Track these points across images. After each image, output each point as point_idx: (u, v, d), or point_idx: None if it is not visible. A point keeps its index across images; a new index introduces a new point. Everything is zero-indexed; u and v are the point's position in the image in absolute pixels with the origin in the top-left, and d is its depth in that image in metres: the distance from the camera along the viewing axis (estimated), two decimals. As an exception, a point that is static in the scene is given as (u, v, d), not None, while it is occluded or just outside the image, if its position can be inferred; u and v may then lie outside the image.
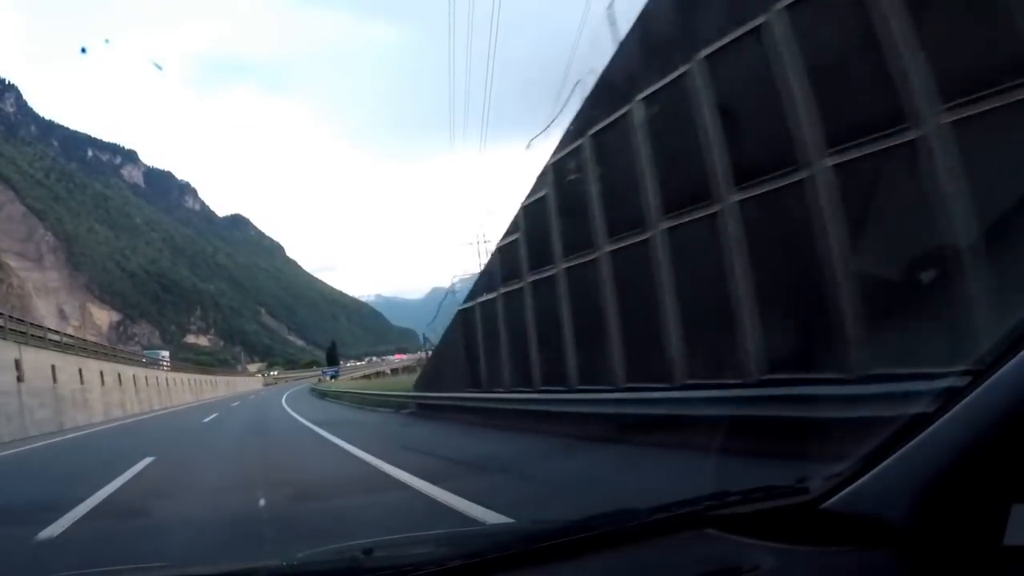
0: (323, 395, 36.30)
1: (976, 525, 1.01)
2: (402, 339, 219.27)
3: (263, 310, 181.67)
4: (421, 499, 4.72)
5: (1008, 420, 0.98)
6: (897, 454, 1.13)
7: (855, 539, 1.16)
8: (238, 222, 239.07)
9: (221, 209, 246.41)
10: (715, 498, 1.50)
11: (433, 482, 5.02)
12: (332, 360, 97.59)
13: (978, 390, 1.03)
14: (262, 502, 4.95)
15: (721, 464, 4.28)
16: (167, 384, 41.50)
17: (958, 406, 1.05)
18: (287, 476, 6.86)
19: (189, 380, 50.10)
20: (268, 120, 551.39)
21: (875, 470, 1.17)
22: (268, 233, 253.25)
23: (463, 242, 72.93)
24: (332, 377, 76.89)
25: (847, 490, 1.22)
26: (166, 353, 75.49)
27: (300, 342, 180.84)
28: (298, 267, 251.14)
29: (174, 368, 51.42)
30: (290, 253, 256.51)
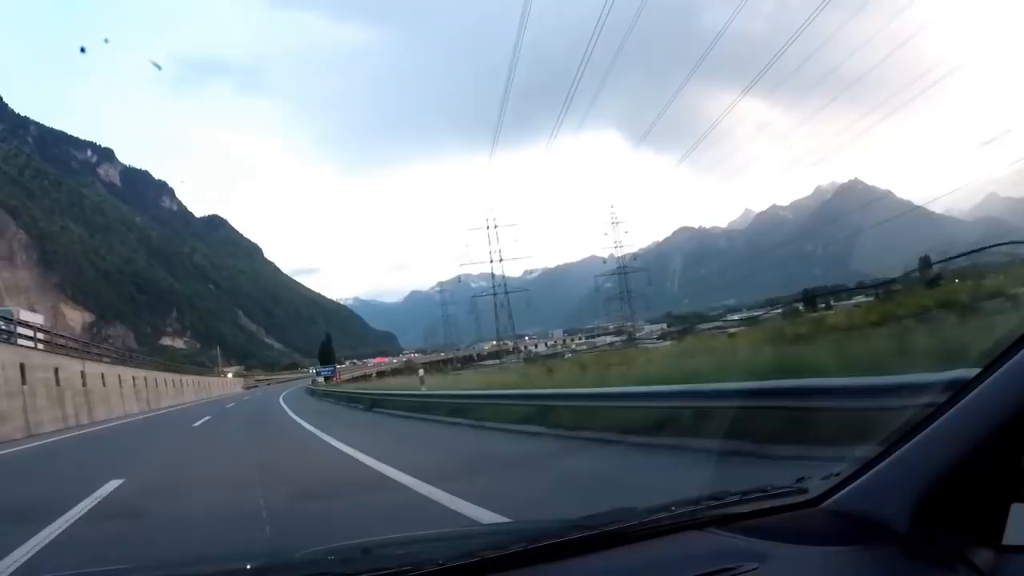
0: (350, 401, 22.91)
1: (975, 524, 1.01)
2: (381, 342, 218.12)
3: (241, 312, 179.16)
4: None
5: (1007, 420, 0.98)
6: (896, 454, 1.14)
7: (854, 538, 1.16)
8: (215, 223, 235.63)
9: (199, 209, 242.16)
10: (714, 498, 1.51)
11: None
12: (326, 358, 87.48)
13: (977, 390, 1.03)
14: None
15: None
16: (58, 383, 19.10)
17: (957, 406, 1.06)
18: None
19: (133, 380, 28.63)
20: (246, 121, 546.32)
21: (874, 470, 1.18)
22: (246, 234, 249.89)
23: (471, 227, 70.55)
24: (327, 377, 65.59)
25: (846, 490, 1.24)
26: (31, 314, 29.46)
27: (278, 345, 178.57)
28: (276, 269, 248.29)
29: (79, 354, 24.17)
30: (268, 255, 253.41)
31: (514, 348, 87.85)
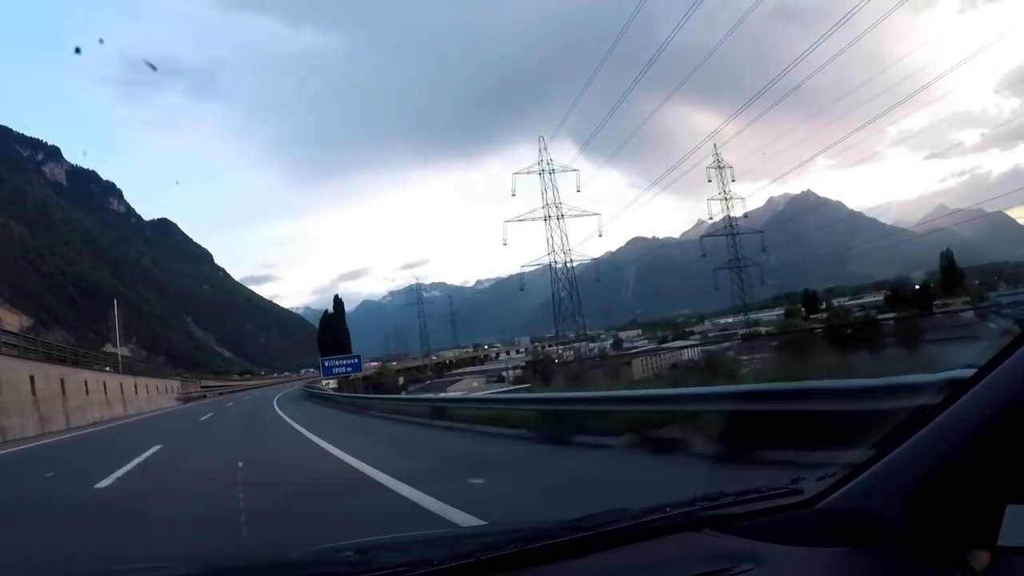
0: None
1: (970, 526, 1.01)
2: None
3: (189, 319, 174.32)
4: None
5: (1002, 421, 0.98)
6: (891, 455, 1.14)
7: (850, 539, 1.16)
8: (165, 227, 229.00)
9: (148, 212, 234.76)
10: (709, 499, 1.52)
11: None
12: (339, 342, 52.39)
13: (972, 391, 1.03)
14: None
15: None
16: None
17: (952, 407, 1.06)
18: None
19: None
20: (198, 124, 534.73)
21: (869, 471, 1.18)
22: (196, 239, 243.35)
23: (521, 170, 70.06)
24: (347, 374, 45.14)
25: (841, 491, 1.24)
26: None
27: (228, 353, 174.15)
28: (227, 275, 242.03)
29: None
30: (219, 261, 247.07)
31: (485, 356, 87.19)
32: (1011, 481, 0.98)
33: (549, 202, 69.03)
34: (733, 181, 69.91)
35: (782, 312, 75.97)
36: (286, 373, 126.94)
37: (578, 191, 74.73)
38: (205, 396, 59.86)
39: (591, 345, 76.75)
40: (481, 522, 3.85)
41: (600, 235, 62.27)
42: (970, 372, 1.06)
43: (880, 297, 76.43)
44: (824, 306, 76.68)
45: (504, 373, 62.39)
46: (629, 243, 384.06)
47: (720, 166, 68.61)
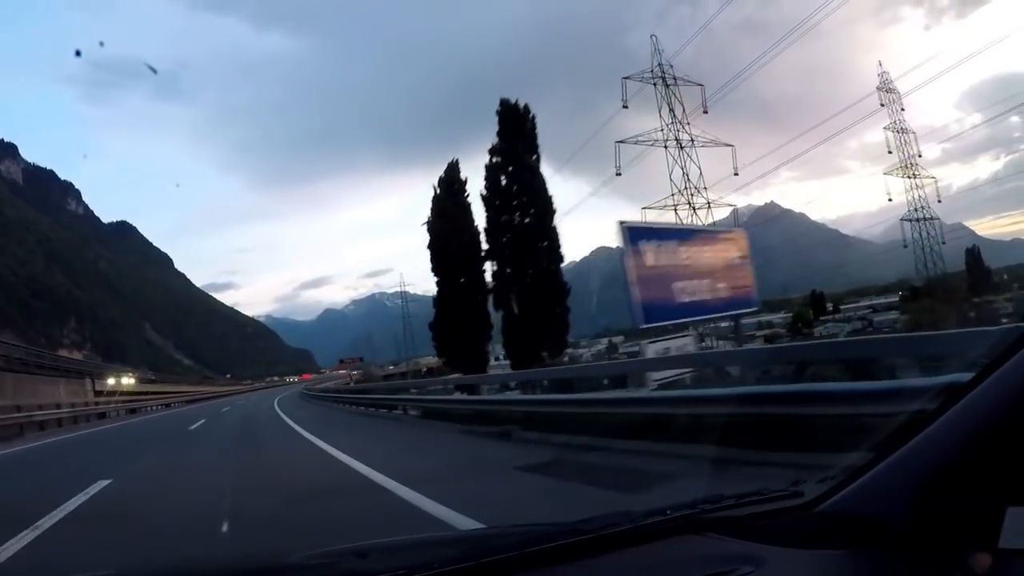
0: None
1: (971, 528, 1.01)
2: (297, 359, 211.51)
3: (148, 325, 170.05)
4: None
5: (1002, 424, 0.99)
6: (892, 457, 1.14)
7: (850, 542, 1.16)
8: (124, 229, 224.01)
9: (107, 215, 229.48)
10: (710, 501, 1.52)
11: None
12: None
13: (973, 393, 1.03)
14: None
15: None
16: None
17: (953, 409, 1.06)
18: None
19: None
20: (162, 127, 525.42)
21: (870, 473, 1.18)
22: (157, 244, 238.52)
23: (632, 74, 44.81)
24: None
25: (842, 493, 1.23)
26: None
27: (188, 361, 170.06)
28: (188, 281, 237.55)
29: None
30: (179, 266, 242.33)
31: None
32: (1011, 483, 0.98)
33: (667, 123, 46.48)
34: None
35: (776, 315, 75.98)
36: (247, 381, 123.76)
37: (705, 112, 48.03)
38: (118, 411, 30.26)
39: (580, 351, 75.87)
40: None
41: (736, 172, 46.07)
42: (968, 376, 1.06)
43: (883, 299, 75.92)
44: (831, 307, 76.10)
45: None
46: (594, 252, 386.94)
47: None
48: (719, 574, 1.22)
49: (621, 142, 45.58)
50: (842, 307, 79.64)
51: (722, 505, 1.49)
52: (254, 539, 4.12)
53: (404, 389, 20.18)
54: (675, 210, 45.14)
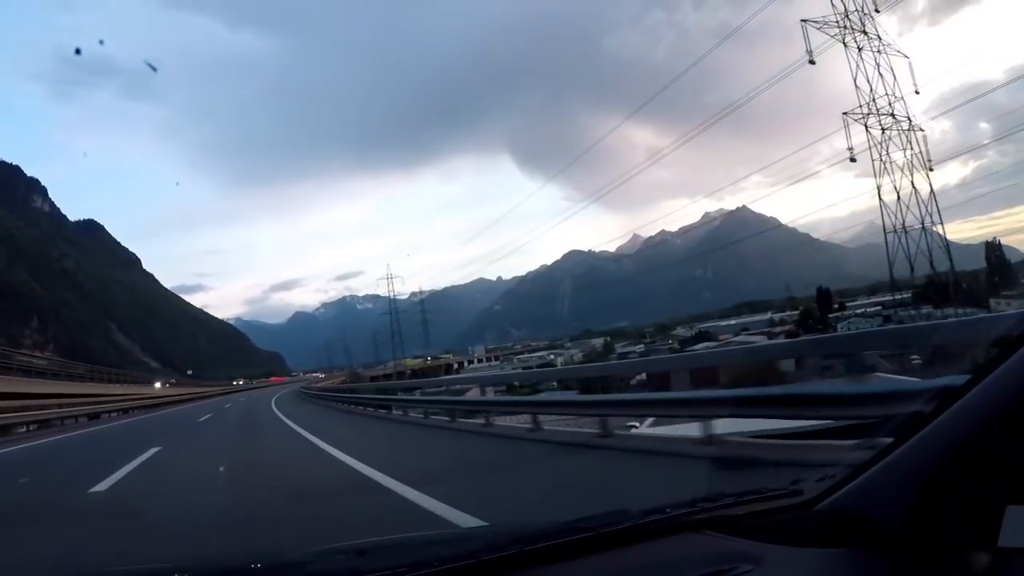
0: None
1: (970, 527, 1.00)
2: (267, 362, 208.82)
3: (114, 326, 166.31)
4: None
5: (1002, 422, 0.99)
6: (891, 456, 1.14)
7: (849, 541, 1.16)
8: (92, 228, 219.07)
9: (74, 213, 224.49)
10: (709, 500, 1.53)
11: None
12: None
13: (972, 392, 1.03)
14: None
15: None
16: None
17: (953, 408, 1.06)
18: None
19: None
20: (133, 126, 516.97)
21: (869, 472, 1.18)
22: (125, 243, 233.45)
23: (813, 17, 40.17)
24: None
25: (841, 492, 1.23)
26: None
27: (155, 363, 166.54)
28: (156, 282, 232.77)
29: None
30: (148, 267, 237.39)
31: (448, 366, 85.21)
32: (1011, 482, 0.98)
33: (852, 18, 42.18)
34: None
35: (768, 316, 75.49)
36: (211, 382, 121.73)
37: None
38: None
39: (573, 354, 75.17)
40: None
41: (917, 91, 42.72)
42: (965, 378, 1.07)
43: (888, 296, 75.40)
44: (837, 305, 74.50)
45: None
46: (566, 256, 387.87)
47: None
48: (718, 572, 1.21)
49: (806, 21, 42.00)
50: (848, 305, 77.61)
51: (721, 503, 1.49)
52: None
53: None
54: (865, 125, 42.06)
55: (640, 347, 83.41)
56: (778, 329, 57.41)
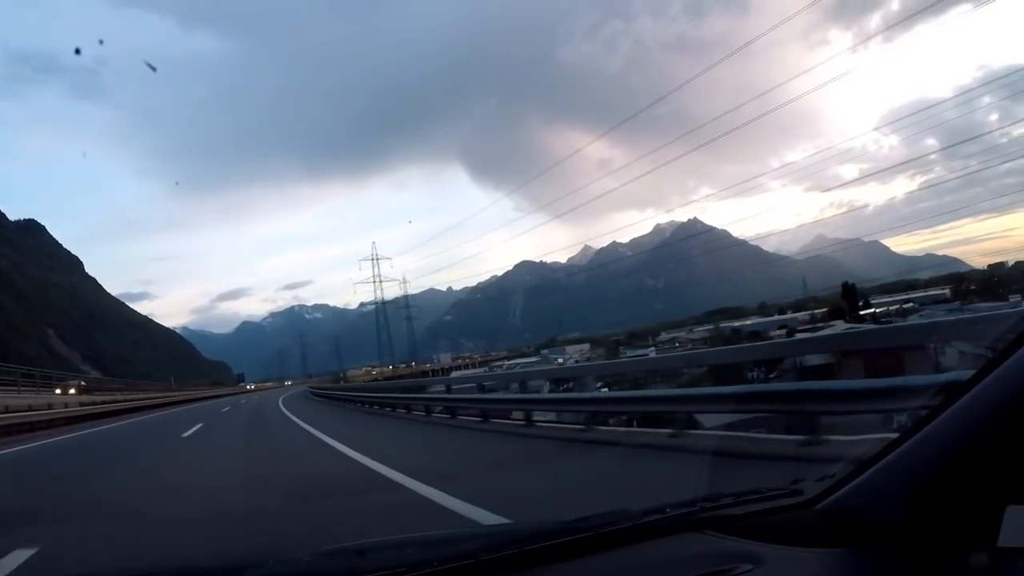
0: None
1: (970, 526, 1.00)
2: (213, 371, 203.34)
3: (52, 331, 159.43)
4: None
5: (1002, 422, 0.98)
6: (891, 456, 1.14)
7: (849, 540, 1.16)
8: (32, 228, 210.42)
9: (14, 212, 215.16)
10: (709, 499, 1.54)
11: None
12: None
13: (971, 392, 1.03)
14: None
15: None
16: None
17: (952, 408, 1.06)
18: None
19: None
20: (79, 126, 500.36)
21: (869, 471, 1.18)
22: (67, 246, 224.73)
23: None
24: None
25: (841, 492, 1.23)
26: None
27: (96, 373, 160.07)
28: (99, 286, 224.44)
29: None
30: (91, 271, 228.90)
31: (423, 372, 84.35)
32: (1010, 482, 0.98)
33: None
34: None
35: (768, 318, 74.05)
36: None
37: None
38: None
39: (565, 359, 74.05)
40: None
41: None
42: (968, 374, 1.06)
43: (921, 293, 73.31)
44: (862, 303, 70.47)
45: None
46: (517, 266, 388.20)
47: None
48: (718, 572, 1.22)
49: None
50: (872, 302, 73.79)
51: (721, 503, 1.49)
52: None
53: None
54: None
55: (674, 342, 75.24)
56: (820, 324, 56.27)
